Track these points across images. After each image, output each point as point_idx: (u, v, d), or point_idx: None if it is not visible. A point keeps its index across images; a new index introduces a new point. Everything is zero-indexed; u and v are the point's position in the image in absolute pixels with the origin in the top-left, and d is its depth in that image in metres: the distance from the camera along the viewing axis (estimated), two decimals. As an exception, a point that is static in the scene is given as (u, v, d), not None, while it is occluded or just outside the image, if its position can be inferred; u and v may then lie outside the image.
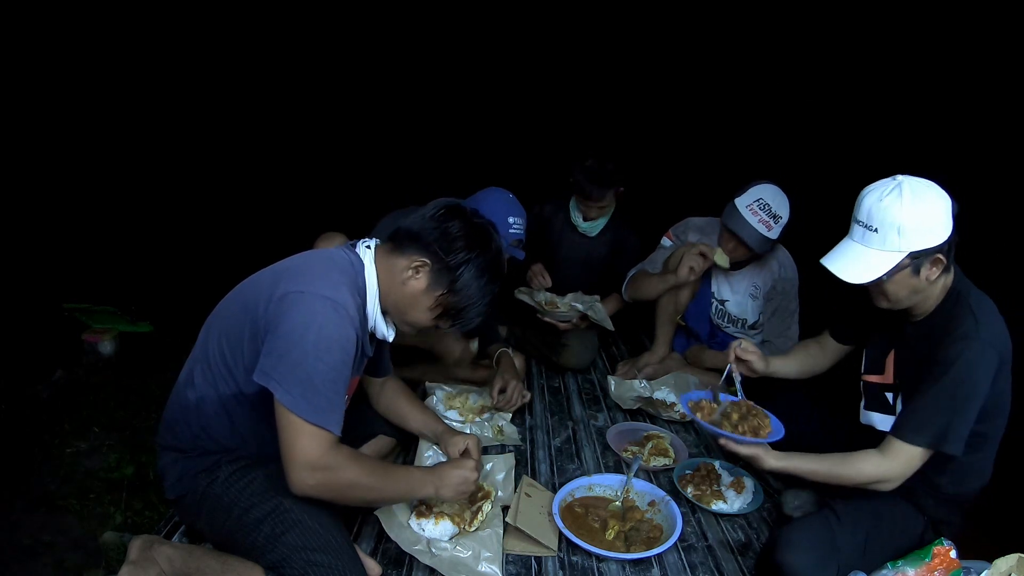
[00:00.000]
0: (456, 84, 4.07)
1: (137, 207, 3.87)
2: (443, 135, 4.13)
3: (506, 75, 4.01)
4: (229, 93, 3.99)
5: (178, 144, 3.97)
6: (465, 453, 1.62)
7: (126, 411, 2.69)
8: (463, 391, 2.27)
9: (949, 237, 1.36)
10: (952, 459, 1.42)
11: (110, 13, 3.50)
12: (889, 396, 1.58)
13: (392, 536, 1.47)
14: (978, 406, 1.38)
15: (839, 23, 3.22)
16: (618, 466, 2.01)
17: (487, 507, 1.62)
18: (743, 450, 1.58)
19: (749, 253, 2.34)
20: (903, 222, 1.34)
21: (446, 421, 2.00)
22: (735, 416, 1.71)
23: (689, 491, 1.86)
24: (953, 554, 1.38)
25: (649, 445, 2.06)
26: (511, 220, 2.09)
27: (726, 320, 2.56)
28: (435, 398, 2.19)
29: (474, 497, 1.61)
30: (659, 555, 1.58)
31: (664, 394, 2.43)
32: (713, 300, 2.55)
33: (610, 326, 2.61)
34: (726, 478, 1.90)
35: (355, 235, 1.51)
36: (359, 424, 1.67)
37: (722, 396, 1.81)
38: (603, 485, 1.80)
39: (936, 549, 1.39)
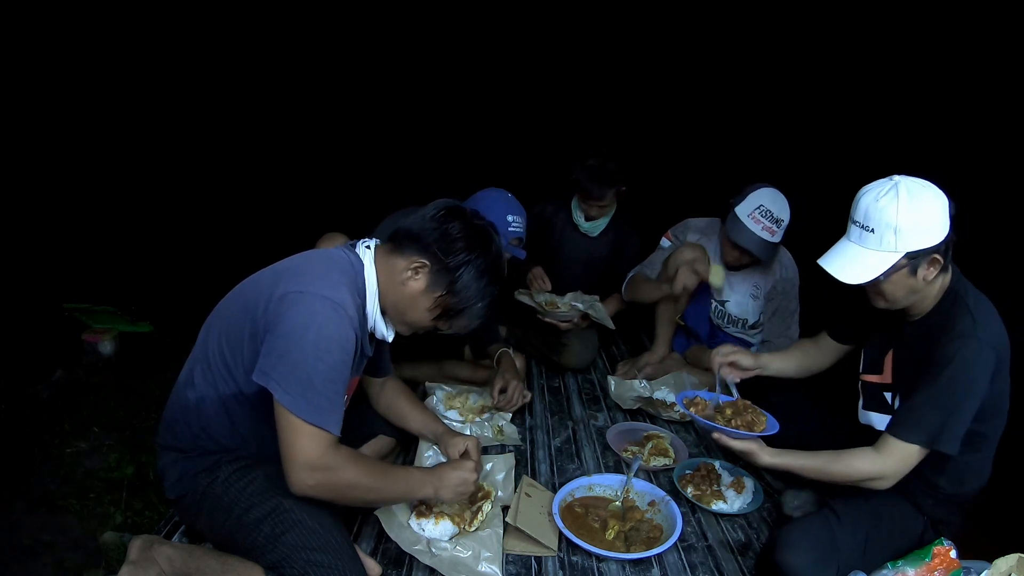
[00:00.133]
0: (456, 84, 4.08)
1: (137, 207, 3.87)
2: (443, 135, 4.13)
3: (506, 75, 4.01)
4: (230, 93, 3.99)
5: (178, 144, 3.97)
6: (465, 454, 1.62)
7: (126, 411, 2.70)
8: (463, 391, 2.27)
9: (946, 237, 1.36)
10: (951, 459, 1.42)
11: (110, 13, 3.50)
12: (888, 396, 1.58)
13: (392, 536, 1.47)
14: (975, 405, 1.38)
15: (838, 23, 3.22)
16: (618, 466, 2.01)
17: (487, 507, 1.62)
18: (737, 445, 1.58)
19: (754, 259, 2.34)
20: (900, 222, 1.34)
21: (446, 421, 2.00)
22: (728, 411, 1.72)
23: (689, 491, 1.86)
24: (953, 554, 1.38)
25: (649, 445, 2.06)
26: (510, 218, 2.09)
27: (726, 320, 2.56)
28: (435, 398, 2.19)
29: (474, 497, 1.61)
30: (659, 555, 1.58)
31: (664, 394, 2.43)
32: (713, 301, 2.55)
33: (611, 325, 2.61)
34: (726, 478, 1.90)
35: (356, 235, 1.51)
36: (359, 424, 1.67)
37: (722, 398, 1.82)
38: (603, 485, 1.80)
39: (936, 549, 1.39)
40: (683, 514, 1.66)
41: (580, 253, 2.82)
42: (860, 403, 1.66)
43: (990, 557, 1.35)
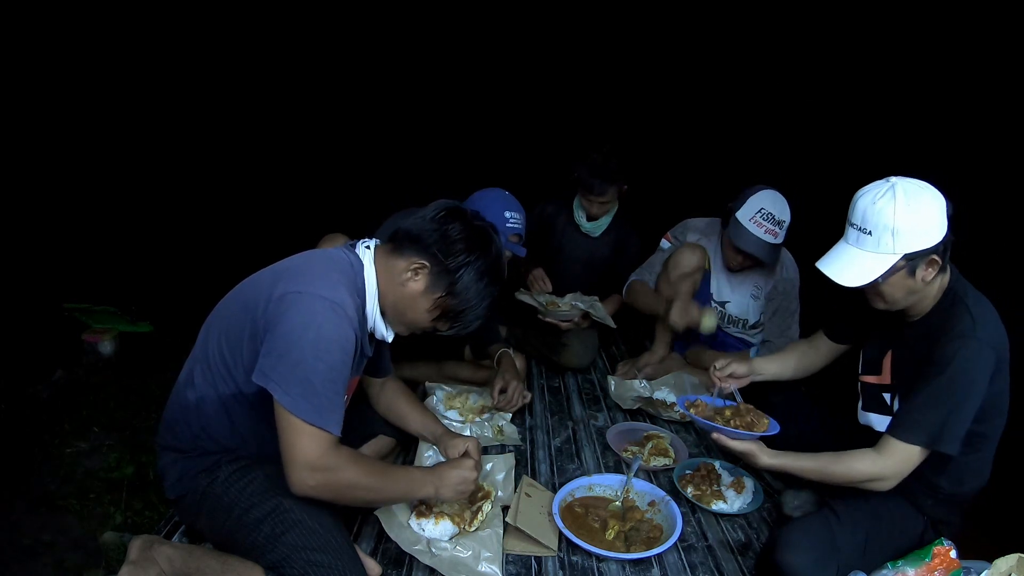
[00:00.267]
0: (457, 84, 4.08)
1: (137, 207, 3.87)
2: (444, 135, 4.13)
3: (507, 76, 4.01)
4: (230, 94, 3.99)
5: (178, 144, 3.97)
6: (464, 454, 1.62)
7: (126, 411, 2.69)
8: (463, 391, 2.27)
9: (944, 238, 1.36)
10: (951, 459, 1.42)
11: (110, 13, 3.50)
12: (887, 397, 1.58)
13: (392, 536, 1.47)
14: (975, 405, 1.38)
15: (837, 23, 3.22)
16: (618, 466, 2.01)
17: (487, 507, 1.62)
18: (737, 446, 1.58)
19: (758, 262, 2.34)
20: (897, 224, 1.34)
21: (446, 421, 2.01)
22: (728, 412, 1.72)
23: (689, 491, 1.86)
24: (953, 554, 1.38)
25: (649, 445, 2.06)
26: (507, 215, 2.09)
27: (726, 320, 2.56)
28: (435, 398, 2.19)
29: (474, 497, 1.61)
30: (659, 555, 1.58)
31: (664, 394, 2.43)
32: (712, 301, 2.55)
33: (612, 324, 2.61)
34: (726, 478, 1.90)
35: (356, 236, 1.51)
36: (359, 424, 1.67)
37: (724, 402, 1.82)
38: (603, 485, 1.80)
39: (936, 549, 1.39)
40: (683, 514, 1.66)
41: (581, 253, 2.82)
42: (859, 404, 1.66)
43: (990, 557, 1.35)
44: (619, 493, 1.76)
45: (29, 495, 2.18)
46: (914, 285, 1.41)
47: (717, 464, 1.96)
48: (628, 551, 1.55)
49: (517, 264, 2.69)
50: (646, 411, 2.35)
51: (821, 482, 1.51)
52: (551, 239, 2.84)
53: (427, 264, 1.33)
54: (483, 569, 1.44)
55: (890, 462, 1.41)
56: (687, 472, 1.95)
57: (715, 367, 1.87)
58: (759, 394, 1.88)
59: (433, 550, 1.46)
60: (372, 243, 1.41)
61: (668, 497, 1.72)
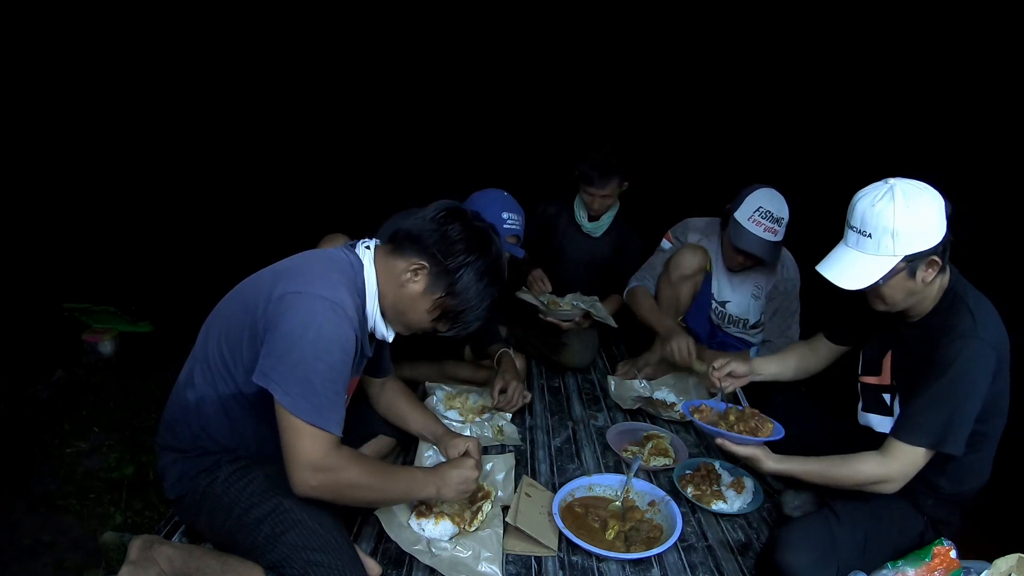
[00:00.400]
0: (457, 84, 4.07)
1: (137, 207, 3.87)
2: (444, 135, 4.13)
3: (507, 76, 4.01)
4: (230, 94, 3.99)
5: (178, 144, 3.97)
6: (465, 455, 1.62)
7: (126, 411, 2.69)
8: (463, 391, 2.27)
9: (943, 238, 1.36)
10: (951, 459, 1.42)
11: (110, 13, 3.50)
12: (886, 397, 1.58)
13: (392, 536, 1.47)
14: (978, 405, 1.38)
15: (836, 24, 3.22)
16: (618, 466, 2.01)
17: (487, 507, 1.62)
18: (741, 450, 1.58)
19: (759, 261, 2.34)
20: (897, 226, 1.34)
21: (446, 421, 2.01)
22: (732, 417, 1.72)
23: (689, 491, 1.86)
24: (953, 554, 1.38)
25: (649, 445, 2.06)
26: (505, 215, 2.09)
27: (726, 320, 2.56)
28: (435, 398, 2.19)
29: (474, 497, 1.61)
30: (659, 555, 1.58)
31: (664, 394, 2.44)
32: (713, 301, 2.55)
33: (613, 323, 2.61)
34: (726, 478, 1.90)
35: (357, 236, 1.51)
36: (359, 424, 1.67)
37: (727, 405, 1.82)
38: (603, 485, 1.80)
39: (936, 549, 1.39)
40: (683, 514, 1.66)
41: (582, 253, 2.83)
42: (859, 405, 1.66)
43: (990, 557, 1.35)
44: (619, 493, 1.76)
45: (29, 495, 2.18)
46: (914, 286, 1.41)
47: (717, 464, 1.96)
48: (628, 551, 1.55)
49: (517, 265, 2.69)
50: (646, 411, 2.35)
51: (826, 485, 1.51)
52: (552, 239, 2.84)
53: (427, 264, 1.33)
54: (483, 569, 1.44)
55: (895, 464, 1.41)
56: (687, 472, 1.95)
57: (714, 367, 1.88)
58: (761, 394, 1.88)
59: (433, 550, 1.46)
60: (372, 243, 1.41)
61: (668, 497, 1.72)
